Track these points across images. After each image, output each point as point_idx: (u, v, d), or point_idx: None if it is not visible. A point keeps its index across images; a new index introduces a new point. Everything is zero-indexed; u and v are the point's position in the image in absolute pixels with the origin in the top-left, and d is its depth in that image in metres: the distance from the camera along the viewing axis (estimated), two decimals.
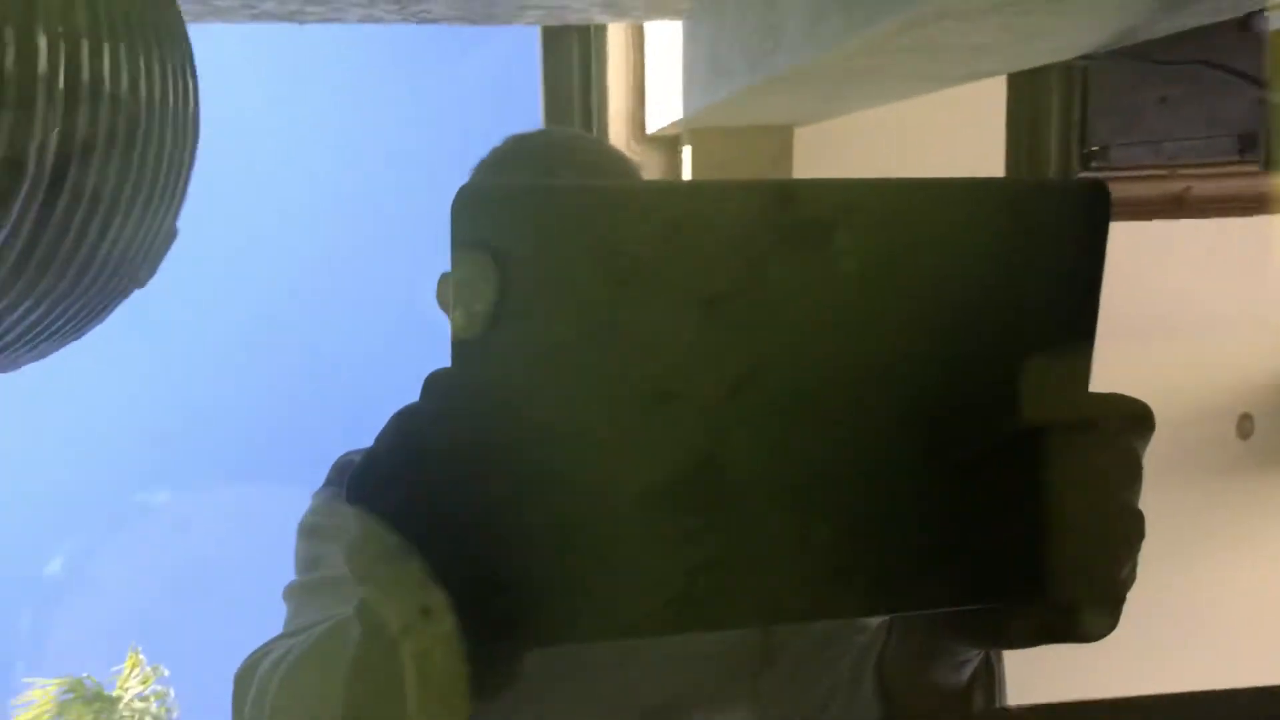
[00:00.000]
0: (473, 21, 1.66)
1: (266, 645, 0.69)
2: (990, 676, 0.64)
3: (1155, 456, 0.45)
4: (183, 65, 0.82)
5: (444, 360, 0.37)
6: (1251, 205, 2.15)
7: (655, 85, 2.10)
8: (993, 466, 0.42)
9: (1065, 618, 0.45)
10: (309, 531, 0.86)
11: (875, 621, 0.71)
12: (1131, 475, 0.44)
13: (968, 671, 0.60)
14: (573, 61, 2.28)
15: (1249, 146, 1.82)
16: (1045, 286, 0.40)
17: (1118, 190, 2.21)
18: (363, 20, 1.58)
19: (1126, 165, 1.93)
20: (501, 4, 1.57)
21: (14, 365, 0.84)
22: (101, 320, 0.86)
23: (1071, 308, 0.41)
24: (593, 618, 0.39)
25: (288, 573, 0.88)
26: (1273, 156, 1.77)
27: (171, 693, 10.80)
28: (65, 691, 10.19)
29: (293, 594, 0.83)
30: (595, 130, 2.23)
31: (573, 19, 1.81)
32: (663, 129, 2.10)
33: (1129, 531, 0.43)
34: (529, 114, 2.40)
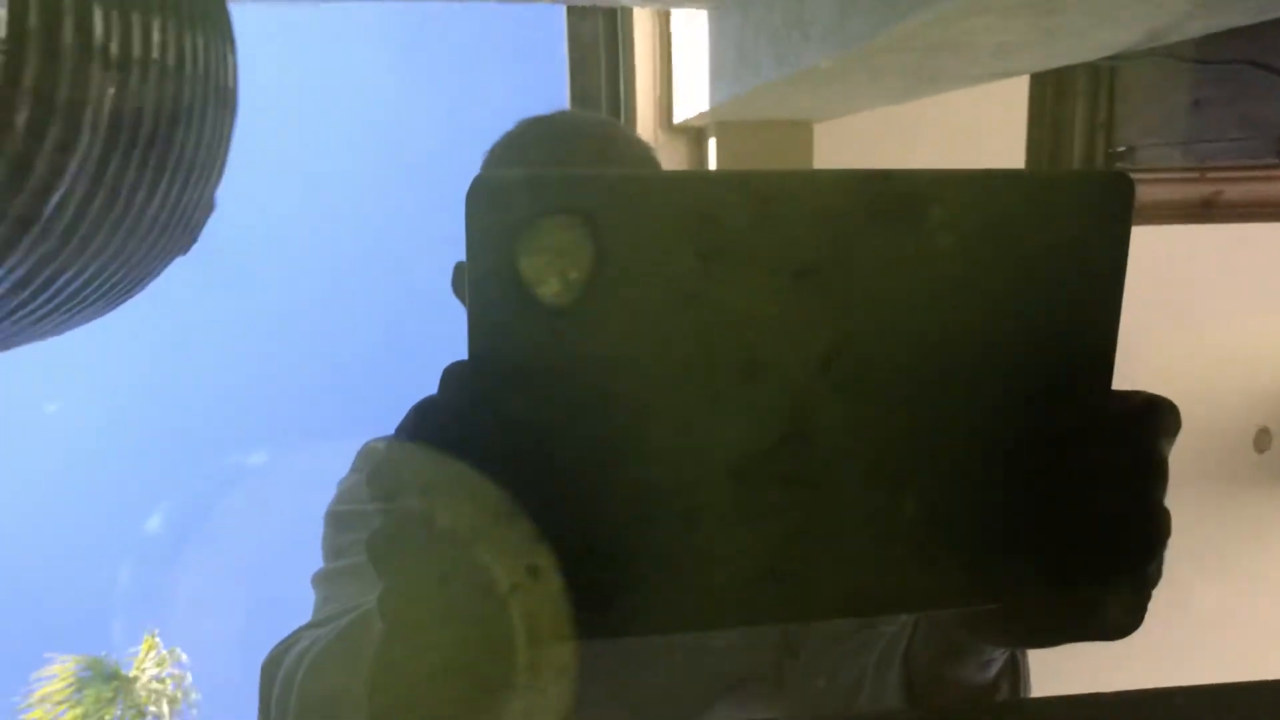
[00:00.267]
0: None
1: (294, 635, 0.70)
2: (1015, 675, 0.65)
3: (1170, 466, 0.44)
4: (224, 41, 0.84)
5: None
6: None
7: (683, 75, 2.11)
8: (1035, 458, 0.42)
9: (1090, 615, 0.44)
10: (336, 519, 0.86)
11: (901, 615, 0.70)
12: (1157, 473, 0.43)
13: (994, 670, 0.60)
14: (599, 47, 2.28)
15: None
16: (1074, 278, 0.40)
17: (1144, 193, 2.20)
18: None
19: (1154, 167, 1.91)
20: None
21: (56, 331, 0.87)
22: (141, 290, 0.89)
23: (1096, 301, 0.40)
24: (677, 591, 0.39)
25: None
26: None
27: (189, 677, 10.88)
28: (84, 669, 10.27)
29: (319, 582, 0.84)
30: (623, 118, 2.24)
31: (601, 1, 1.82)
32: (689, 119, 2.11)
33: (1154, 530, 0.43)
34: (556, 101, 2.40)
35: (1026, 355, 0.40)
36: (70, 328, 0.87)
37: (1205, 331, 2.46)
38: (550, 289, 0.35)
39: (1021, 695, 0.65)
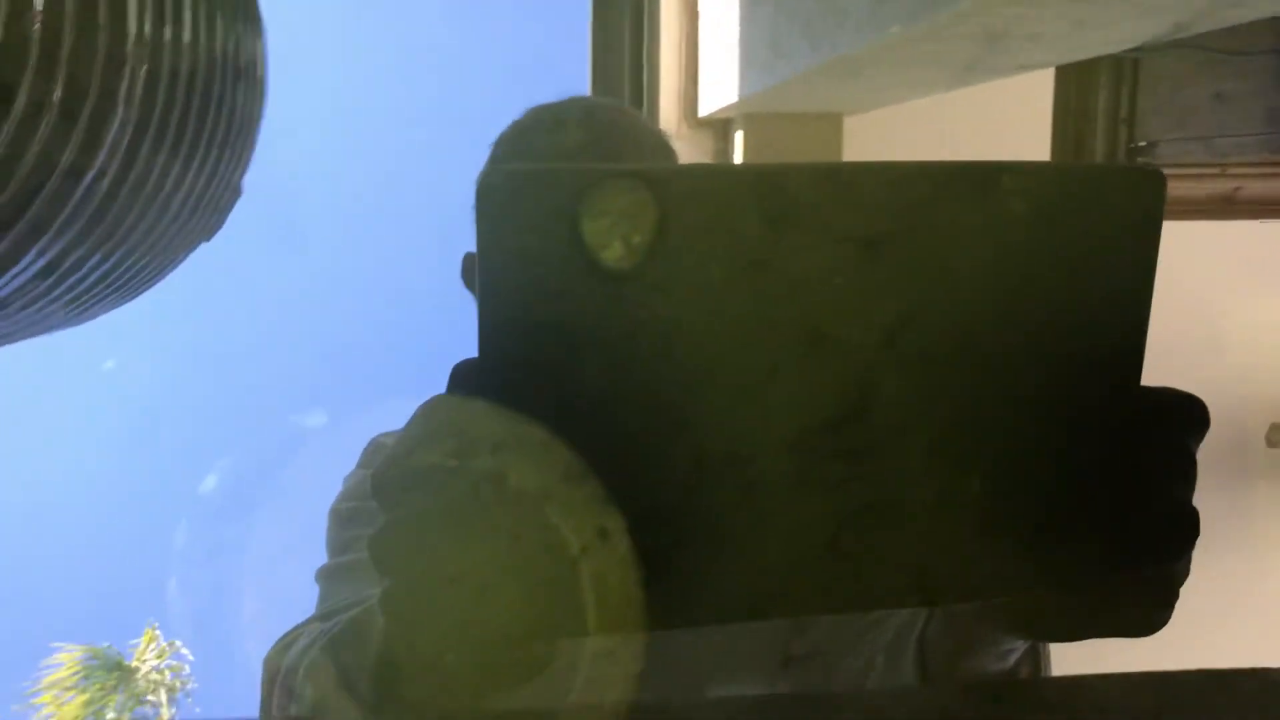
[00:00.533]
0: None
1: (296, 629, 0.70)
2: (1036, 665, 0.64)
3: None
4: (254, 26, 0.83)
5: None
6: None
7: (709, 66, 2.09)
8: (1067, 450, 0.41)
9: (1115, 611, 0.44)
10: (341, 515, 0.84)
11: None
12: (1184, 471, 0.43)
13: (1012, 659, 0.59)
14: (624, 38, 2.27)
15: None
16: (1106, 273, 0.39)
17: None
18: None
19: (1175, 162, 1.88)
20: None
21: (79, 319, 0.87)
22: (164, 277, 0.88)
23: (1127, 296, 0.40)
24: (733, 565, 0.39)
25: None
26: None
27: (187, 668, 11.11)
28: (90, 658, 10.49)
29: (322, 577, 0.83)
30: (645, 111, 2.22)
31: None
32: (715, 112, 2.09)
33: (1182, 528, 0.42)
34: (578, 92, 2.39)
35: (1062, 348, 0.40)
36: (92, 316, 0.87)
37: (1221, 327, 2.44)
38: (613, 253, 0.35)
39: None
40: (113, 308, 0.87)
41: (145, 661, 10.80)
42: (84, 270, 0.71)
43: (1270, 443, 2.49)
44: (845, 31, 1.30)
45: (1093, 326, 0.40)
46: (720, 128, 2.22)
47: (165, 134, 0.68)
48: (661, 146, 0.95)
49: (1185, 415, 0.43)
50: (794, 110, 1.90)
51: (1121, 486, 0.41)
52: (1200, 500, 0.44)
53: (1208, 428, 0.43)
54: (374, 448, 0.87)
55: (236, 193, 0.84)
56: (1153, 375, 0.42)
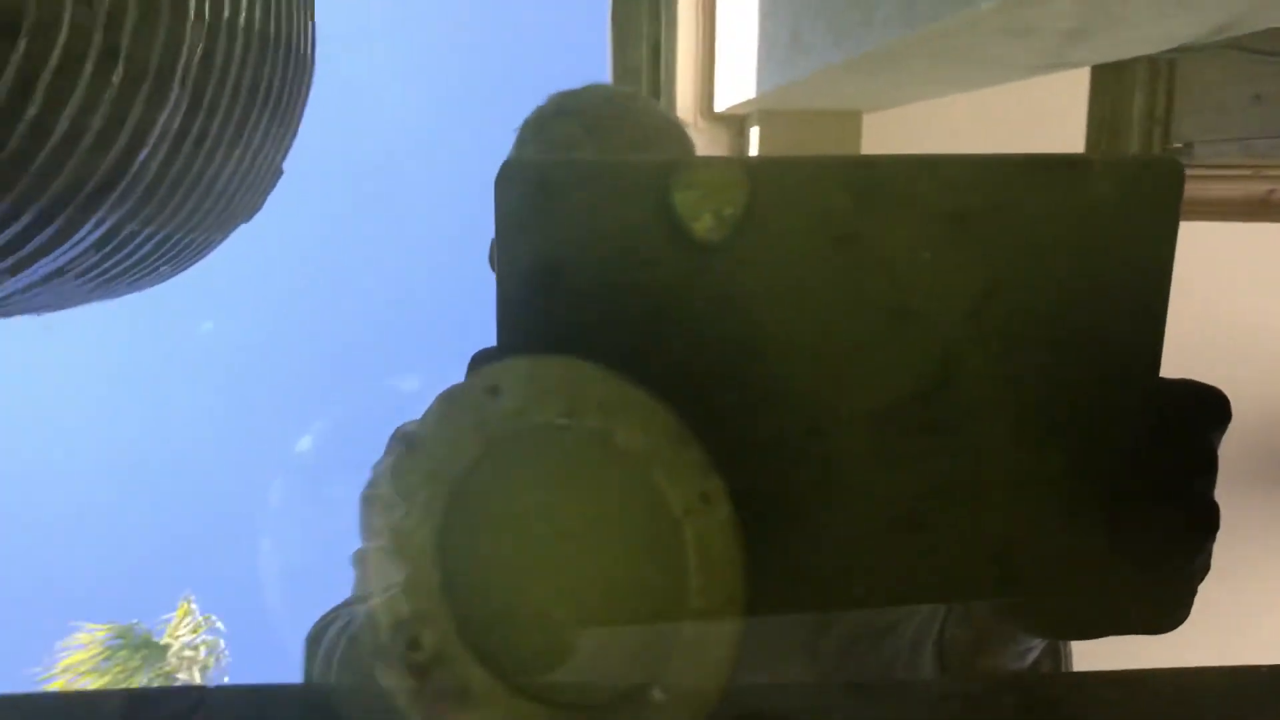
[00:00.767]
0: None
1: (334, 611, 0.73)
2: (1056, 662, 0.64)
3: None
4: (304, 9, 0.83)
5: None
6: None
7: (726, 62, 2.09)
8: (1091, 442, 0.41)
9: (1133, 608, 0.44)
10: (370, 502, 0.87)
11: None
12: (1204, 465, 0.42)
13: (1031, 658, 0.59)
14: (642, 34, 2.27)
15: None
16: (1123, 263, 0.40)
17: (1199, 189, 2.17)
18: None
19: (1210, 163, 1.88)
20: None
21: (121, 293, 0.87)
22: (206, 255, 0.89)
23: (1144, 287, 0.40)
24: (815, 539, 0.39)
25: None
26: None
27: (222, 643, 10.98)
28: (114, 638, 10.37)
29: (357, 561, 0.84)
30: (662, 104, 2.23)
31: None
32: (732, 107, 2.09)
33: (1202, 523, 0.42)
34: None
35: (1092, 337, 0.40)
36: (135, 290, 0.87)
37: (1254, 328, 2.43)
38: (704, 225, 0.35)
39: None
40: (157, 282, 0.88)
41: (178, 638, 10.68)
42: (135, 243, 0.71)
43: None
44: (872, 27, 1.30)
45: (1114, 316, 0.40)
46: (736, 123, 2.22)
47: (215, 114, 0.69)
48: (678, 135, 0.96)
49: (1205, 407, 0.42)
50: (813, 107, 1.90)
51: (1141, 479, 0.41)
52: (1229, 499, 0.44)
53: (1229, 421, 0.42)
54: (401, 436, 0.90)
55: (278, 173, 0.85)
56: (1185, 375, 0.42)
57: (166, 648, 10.55)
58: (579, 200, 0.35)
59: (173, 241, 0.74)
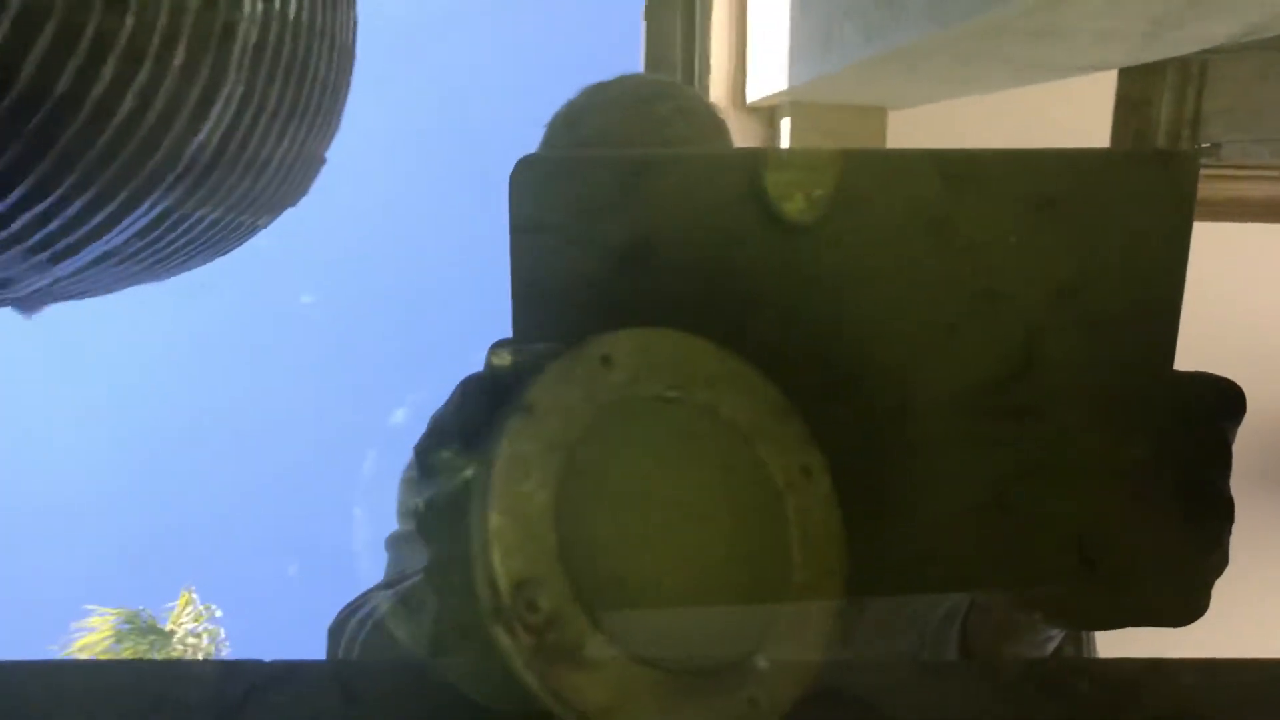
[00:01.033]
0: None
1: (361, 597, 0.72)
2: (1079, 651, 0.64)
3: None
4: (348, 1, 0.86)
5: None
6: None
7: (758, 53, 2.10)
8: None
9: (1151, 601, 0.44)
10: (409, 485, 0.87)
11: None
12: (1219, 458, 0.42)
13: (1050, 648, 0.60)
14: (676, 26, 2.28)
15: None
16: (1138, 256, 0.40)
17: (1228, 190, 2.15)
18: None
19: (1239, 164, 1.87)
20: None
21: (166, 275, 0.90)
22: (248, 240, 0.91)
23: (1159, 280, 0.40)
24: (901, 519, 0.39)
25: None
26: None
27: (222, 632, 11.12)
28: (124, 622, 10.55)
29: (390, 544, 0.84)
30: None
31: None
32: (763, 99, 2.10)
33: (1216, 516, 0.42)
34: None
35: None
36: (179, 273, 0.90)
37: (1267, 327, 2.41)
38: (795, 205, 0.36)
39: None
40: (198, 266, 0.90)
41: (181, 625, 10.84)
42: (184, 227, 0.74)
43: None
44: (902, 24, 1.30)
45: (1124, 309, 0.40)
46: (767, 114, 2.23)
47: (266, 102, 0.71)
48: (713, 123, 0.96)
49: (1220, 400, 0.42)
50: (842, 101, 1.90)
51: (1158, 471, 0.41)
52: (1249, 497, 0.43)
53: (1243, 413, 0.42)
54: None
55: (321, 161, 0.88)
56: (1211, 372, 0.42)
57: (171, 634, 10.72)
58: (672, 181, 0.36)
59: (221, 225, 0.76)
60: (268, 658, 0.41)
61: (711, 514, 0.34)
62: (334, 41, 0.82)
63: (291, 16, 0.72)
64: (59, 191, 0.59)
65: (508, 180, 0.35)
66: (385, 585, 0.75)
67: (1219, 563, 0.43)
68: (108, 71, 0.51)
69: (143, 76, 0.56)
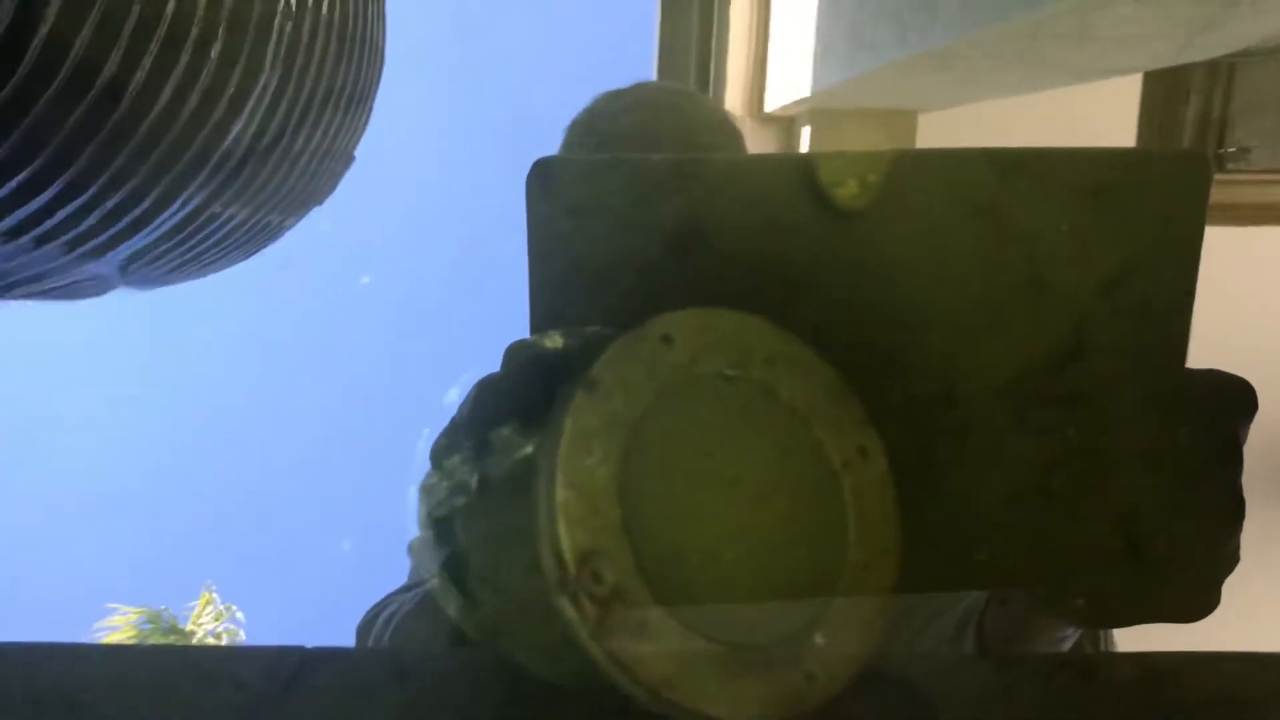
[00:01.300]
0: None
1: (386, 599, 0.74)
2: (1095, 647, 0.63)
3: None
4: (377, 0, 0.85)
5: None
6: None
7: (778, 61, 2.08)
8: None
9: (1162, 597, 0.43)
10: (429, 491, 0.88)
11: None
12: (1230, 455, 0.42)
13: (1066, 646, 0.59)
14: (691, 33, 2.27)
15: None
16: (1151, 253, 0.40)
17: (1254, 195, 2.13)
18: None
19: (1266, 168, 1.85)
20: None
21: (192, 276, 0.89)
22: (276, 241, 0.90)
23: (1171, 277, 0.40)
24: (947, 504, 0.39)
25: None
26: None
27: (242, 634, 11.16)
28: (145, 621, 10.59)
29: (414, 549, 0.85)
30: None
31: None
32: (782, 108, 2.09)
33: (1228, 513, 0.42)
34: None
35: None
36: (206, 274, 0.89)
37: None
38: (848, 191, 0.36)
39: None
40: (226, 267, 0.89)
41: (201, 625, 10.88)
42: (215, 225, 0.72)
43: None
44: (938, 25, 1.29)
45: (1137, 307, 0.40)
46: (785, 124, 2.21)
47: (299, 97, 0.70)
48: (728, 129, 0.96)
49: (1231, 397, 0.42)
50: (869, 105, 1.89)
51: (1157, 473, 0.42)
52: (1260, 496, 0.43)
53: (1255, 410, 0.42)
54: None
55: (350, 159, 0.86)
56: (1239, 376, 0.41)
57: (191, 634, 10.76)
58: (724, 171, 0.36)
59: (250, 224, 0.75)
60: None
61: (769, 492, 0.34)
62: (365, 37, 0.80)
63: (324, 14, 0.70)
64: (95, 187, 0.57)
65: (545, 173, 0.36)
66: (406, 589, 0.76)
67: (1230, 560, 0.43)
68: (148, 60, 0.50)
69: (181, 67, 0.54)
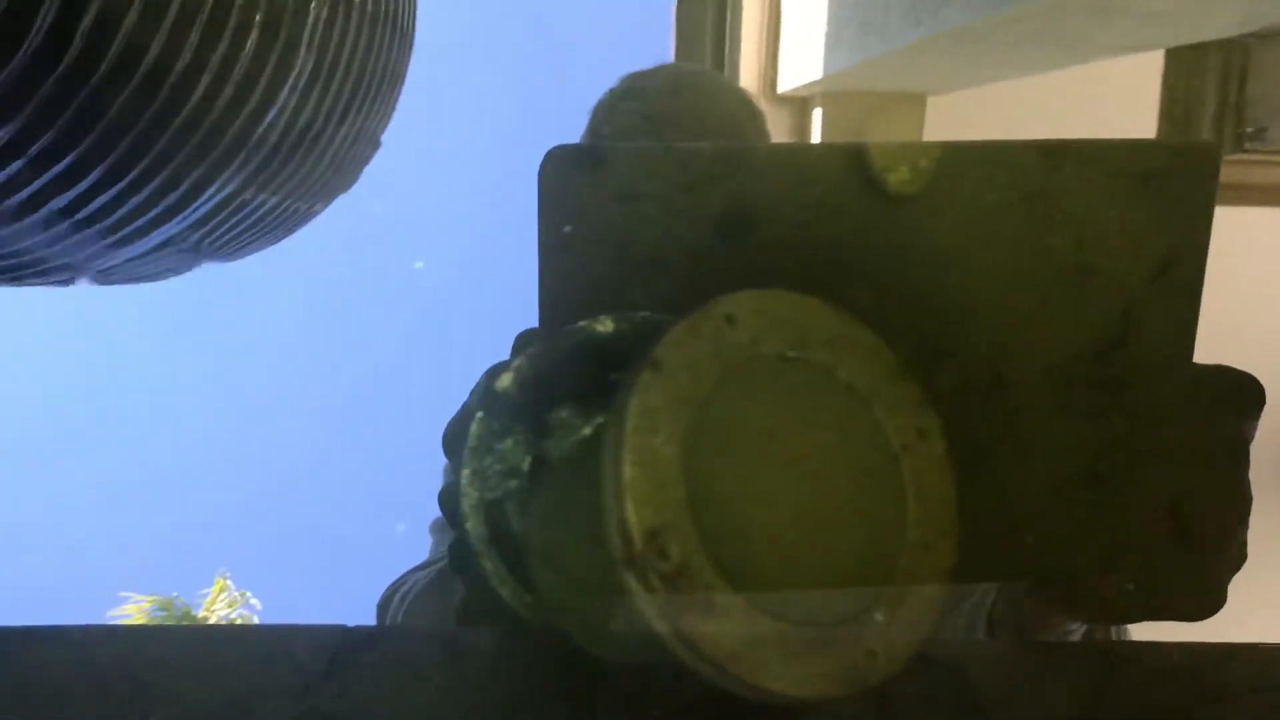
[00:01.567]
0: None
1: (404, 576, 0.76)
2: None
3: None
4: None
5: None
6: None
7: (791, 43, 2.08)
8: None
9: (1168, 595, 0.44)
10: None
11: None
12: (1235, 452, 0.42)
13: (1074, 639, 0.59)
14: (706, 15, 2.26)
15: None
16: (1157, 247, 0.40)
17: (1271, 175, 2.12)
18: None
19: None
20: None
21: (222, 259, 0.89)
22: (304, 226, 0.90)
23: (1179, 272, 0.40)
24: (996, 488, 0.39)
25: None
26: None
27: (256, 620, 11.14)
28: (158, 609, 10.61)
29: (435, 528, 0.88)
30: None
31: None
32: (795, 89, 2.08)
33: (1233, 510, 0.42)
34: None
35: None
36: (235, 259, 0.89)
37: None
38: (899, 176, 0.36)
39: None
40: (248, 255, 0.89)
41: (214, 612, 10.88)
42: (246, 211, 0.73)
43: None
44: (951, 6, 1.29)
45: (1144, 300, 0.41)
46: (799, 105, 2.21)
47: (331, 83, 0.70)
48: (751, 109, 0.96)
49: (1238, 394, 0.42)
50: (880, 89, 1.88)
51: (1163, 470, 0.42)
52: (1269, 494, 0.43)
53: (1262, 407, 0.42)
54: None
55: (376, 145, 0.86)
56: (1249, 367, 0.42)
57: (204, 620, 10.78)
58: (774, 155, 0.37)
59: (280, 210, 0.75)
60: None
61: (829, 472, 0.35)
62: (396, 24, 0.81)
63: (356, 1, 0.71)
64: (131, 175, 0.58)
65: (595, 158, 0.36)
66: (420, 567, 0.79)
67: (1236, 558, 0.43)
68: (189, 46, 0.50)
69: (220, 52, 0.55)
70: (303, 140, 0.70)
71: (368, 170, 0.85)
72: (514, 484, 0.37)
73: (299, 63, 0.61)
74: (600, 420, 0.36)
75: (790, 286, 0.36)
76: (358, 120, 0.75)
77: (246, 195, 0.71)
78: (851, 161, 0.36)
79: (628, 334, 0.36)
